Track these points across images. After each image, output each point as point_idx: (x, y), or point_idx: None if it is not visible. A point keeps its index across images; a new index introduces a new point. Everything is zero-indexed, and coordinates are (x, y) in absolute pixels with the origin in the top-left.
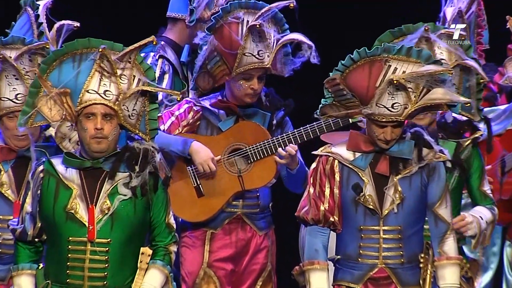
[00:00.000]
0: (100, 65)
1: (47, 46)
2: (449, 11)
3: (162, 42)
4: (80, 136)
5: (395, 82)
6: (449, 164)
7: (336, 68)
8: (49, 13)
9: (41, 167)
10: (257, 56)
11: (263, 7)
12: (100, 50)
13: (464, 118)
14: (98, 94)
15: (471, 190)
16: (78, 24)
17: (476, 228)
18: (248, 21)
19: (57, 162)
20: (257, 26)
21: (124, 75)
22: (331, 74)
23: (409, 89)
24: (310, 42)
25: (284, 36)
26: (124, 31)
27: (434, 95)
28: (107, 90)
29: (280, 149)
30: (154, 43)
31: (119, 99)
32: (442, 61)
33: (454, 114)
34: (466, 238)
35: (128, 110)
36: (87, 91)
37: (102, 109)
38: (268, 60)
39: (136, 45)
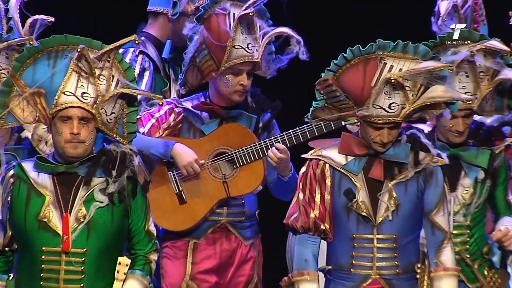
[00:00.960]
0: (77, 65)
1: (31, 42)
2: (443, 5)
3: (143, 38)
4: (55, 140)
5: (392, 80)
6: (482, 174)
7: (328, 68)
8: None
9: (11, 172)
10: (246, 49)
11: (249, 0)
12: (79, 50)
13: (495, 125)
14: (75, 96)
15: (496, 200)
16: (53, 19)
17: None
18: (234, 14)
19: (28, 167)
20: (250, 14)
21: (103, 75)
22: (323, 74)
23: (407, 88)
24: (298, 37)
25: (272, 30)
26: (123, 31)
27: (433, 93)
28: (84, 92)
29: (273, 149)
30: (136, 42)
31: (97, 102)
32: (481, 74)
33: (489, 120)
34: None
35: (106, 114)
36: (63, 93)
37: (79, 113)
38: (257, 54)
39: (116, 44)
